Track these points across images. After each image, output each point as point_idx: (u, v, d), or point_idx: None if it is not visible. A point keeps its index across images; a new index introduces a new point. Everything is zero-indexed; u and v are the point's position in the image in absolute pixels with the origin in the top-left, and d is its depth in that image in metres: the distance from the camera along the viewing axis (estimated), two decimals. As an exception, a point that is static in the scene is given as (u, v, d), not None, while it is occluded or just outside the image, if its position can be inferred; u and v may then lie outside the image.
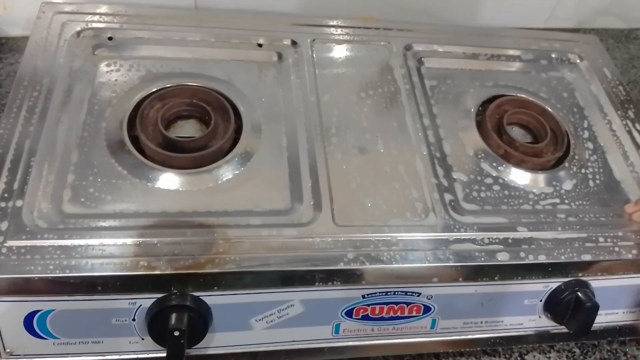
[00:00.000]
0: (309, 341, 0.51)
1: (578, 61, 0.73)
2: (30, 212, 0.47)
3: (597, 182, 0.61)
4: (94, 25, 0.62)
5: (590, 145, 0.64)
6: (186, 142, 0.54)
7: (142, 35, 0.63)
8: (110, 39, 0.62)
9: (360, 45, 0.67)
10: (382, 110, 0.61)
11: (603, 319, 0.57)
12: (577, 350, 0.60)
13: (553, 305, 0.54)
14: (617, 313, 0.58)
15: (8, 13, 0.73)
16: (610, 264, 0.53)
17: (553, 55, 0.73)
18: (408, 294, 0.50)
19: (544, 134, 0.63)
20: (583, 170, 0.61)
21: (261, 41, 0.65)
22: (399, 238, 0.50)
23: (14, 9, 0.72)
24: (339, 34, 0.68)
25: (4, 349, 0.46)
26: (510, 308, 0.54)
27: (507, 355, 0.58)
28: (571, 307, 0.53)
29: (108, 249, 0.45)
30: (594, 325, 0.55)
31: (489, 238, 0.52)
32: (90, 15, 0.63)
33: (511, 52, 0.72)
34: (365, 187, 0.54)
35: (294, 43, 0.65)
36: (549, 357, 0.59)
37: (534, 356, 0.59)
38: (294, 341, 0.51)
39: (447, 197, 0.55)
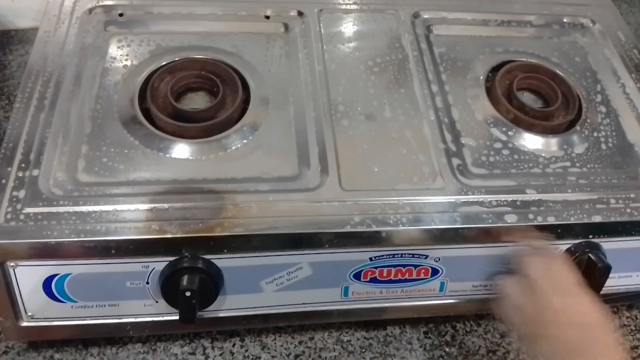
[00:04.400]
0: (319, 304, 0.52)
1: (591, 25, 0.72)
2: (46, 180, 0.48)
3: (610, 145, 0.60)
4: (105, 2, 0.64)
5: (603, 108, 0.63)
6: (195, 113, 0.55)
7: (152, 11, 0.64)
8: (121, 15, 0.63)
9: (368, 14, 0.67)
10: (390, 78, 0.61)
11: (616, 282, 0.57)
12: (595, 317, 0.60)
13: (563, 267, 0.54)
14: (631, 276, 0.58)
15: (16, 5, 0.74)
16: (621, 225, 0.53)
17: (565, 20, 0.71)
18: (415, 256, 0.51)
19: (554, 98, 0.62)
20: (595, 134, 0.61)
21: (268, 13, 0.65)
22: (405, 201, 0.50)
23: (22, 1, 0.73)
24: (346, 3, 0.68)
25: (26, 313, 0.48)
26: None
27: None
28: (582, 269, 0.52)
29: (121, 214, 0.47)
30: (609, 289, 0.55)
31: (497, 200, 0.52)
32: (101, -8, 0.64)
33: (522, 17, 0.71)
34: (372, 152, 0.54)
35: (300, 14, 0.66)
36: (566, 324, 0.59)
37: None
38: (304, 304, 0.52)
39: (455, 161, 0.55)
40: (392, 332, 0.57)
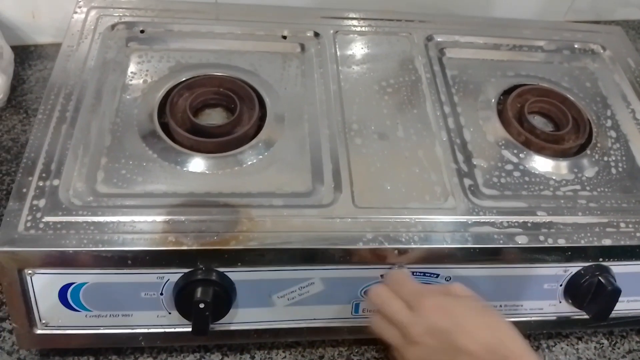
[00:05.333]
0: (330, 319, 0.53)
1: (601, 51, 0.73)
2: (66, 190, 0.49)
3: (620, 169, 0.60)
4: (127, 19, 0.65)
5: (613, 133, 0.64)
6: (213, 128, 0.57)
7: (172, 29, 0.66)
8: (142, 32, 0.65)
9: (382, 37, 0.69)
10: (403, 98, 0.62)
11: (625, 306, 0.57)
12: (606, 342, 0.60)
13: (573, 289, 0.54)
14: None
15: (37, 21, 0.76)
16: (631, 249, 0.53)
17: (576, 46, 0.73)
18: (427, 274, 0.51)
19: (565, 122, 0.63)
20: (605, 158, 0.61)
21: (285, 33, 0.67)
22: (417, 220, 0.51)
23: (42, 18, 0.76)
24: (361, 26, 0.70)
25: (40, 320, 0.49)
26: (529, 292, 0.54)
27: (535, 346, 0.58)
28: (592, 292, 0.53)
29: (138, 226, 0.47)
30: (618, 313, 0.55)
31: (508, 222, 0.52)
32: (123, 10, 0.66)
33: (533, 42, 0.72)
34: (385, 171, 0.55)
35: (316, 35, 0.67)
36: (577, 349, 0.59)
37: (562, 348, 0.59)
38: (314, 319, 0.52)
39: (467, 181, 0.56)
40: (401, 352, 0.57)
